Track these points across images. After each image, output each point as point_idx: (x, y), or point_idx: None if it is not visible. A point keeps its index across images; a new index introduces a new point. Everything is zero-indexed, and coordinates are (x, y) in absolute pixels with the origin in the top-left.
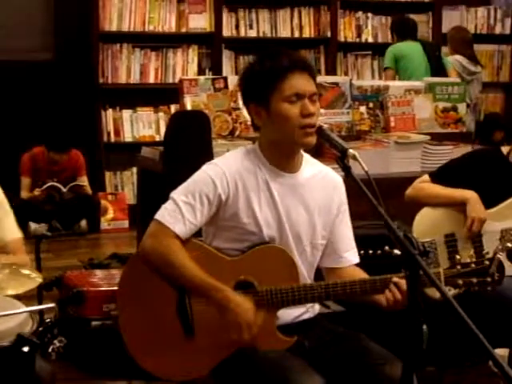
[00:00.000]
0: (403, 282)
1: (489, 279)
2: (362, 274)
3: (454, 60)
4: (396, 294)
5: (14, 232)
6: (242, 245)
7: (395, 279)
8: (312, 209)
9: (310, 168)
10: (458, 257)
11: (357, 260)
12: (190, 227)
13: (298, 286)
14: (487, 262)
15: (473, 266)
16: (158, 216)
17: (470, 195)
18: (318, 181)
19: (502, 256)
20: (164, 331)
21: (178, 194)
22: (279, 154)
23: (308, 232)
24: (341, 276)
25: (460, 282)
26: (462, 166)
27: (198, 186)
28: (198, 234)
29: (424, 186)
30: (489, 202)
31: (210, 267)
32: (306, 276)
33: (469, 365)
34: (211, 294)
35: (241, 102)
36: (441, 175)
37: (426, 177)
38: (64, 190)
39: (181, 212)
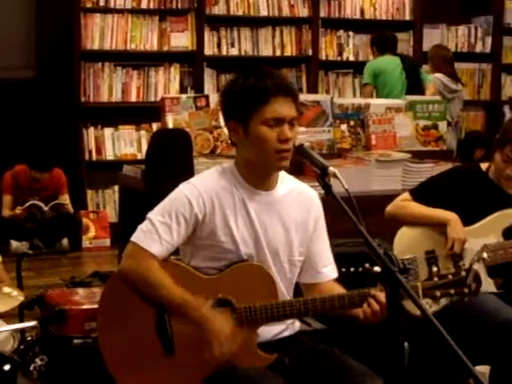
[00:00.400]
0: (381, 295)
1: (466, 290)
2: (340, 290)
3: (434, 78)
4: (374, 306)
5: None
6: (220, 263)
7: (373, 292)
8: (289, 225)
9: (286, 184)
10: (435, 269)
11: (335, 275)
12: (166, 247)
13: (276, 302)
14: (464, 273)
15: (450, 277)
16: (134, 238)
17: (451, 217)
18: (294, 197)
19: (478, 267)
20: (144, 350)
21: (154, 214)
22: (255, 172)
23: (285, 249)
24: (319, 291)
25: (438, 293)
26: (441, 183)
27: (174, 205)
28: (175, 252)
29: (405, 204)
30: (469, 219)
31: (188, 286)
32: (286, 293)
33: (450, 382)
34: (189, 312)
35: (222, 120)
36: (421, 192)
37: (406, 195)
38: (45, 208)
39: (157, 232)
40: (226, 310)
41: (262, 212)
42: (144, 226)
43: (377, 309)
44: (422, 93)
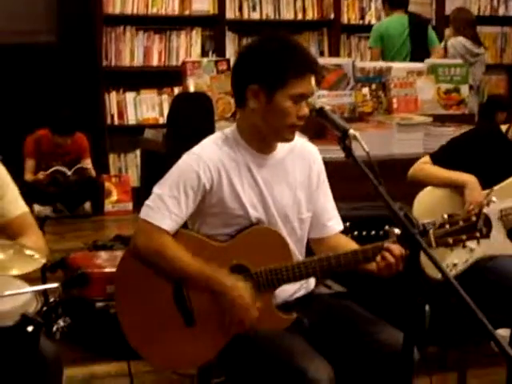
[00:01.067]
0: (395, 247)
1: (477, 234)
2: (348, 241)
3: (456, 42)
4: (389, 258)
5: (17, 207)
6: (231, 229)
7: (386, 245)
8: (294, 184)
9: (287, 143)
10: (445, 216)
11: (341, 227)
12: (176, 221)
13: (292, 263)
14: (474, 218)
15: (461, 223)
16: (143, 215)
17: (469, 179)
18: (296, 155)
19: (487, 210)
20: (163, 321)
21: (161, 188)
22: (259, 137)
23: (294, 208)
24: (328, 245)
25: (450, 240)
26: (461, 145)
27: (181, 178)
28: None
29: (425, 167)
30: (488, 181)
31: (201, 255)
32: (297, 253)
33: (471, 345)
34: (208, 283)
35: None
36: (441, 156)
37: (426, 158)
38: (69, 173)
39: (166, 207)
40: (242, 276)
41: (267, 175)
42: (152, 202)
43: (391, 261)
44: (427, 56)
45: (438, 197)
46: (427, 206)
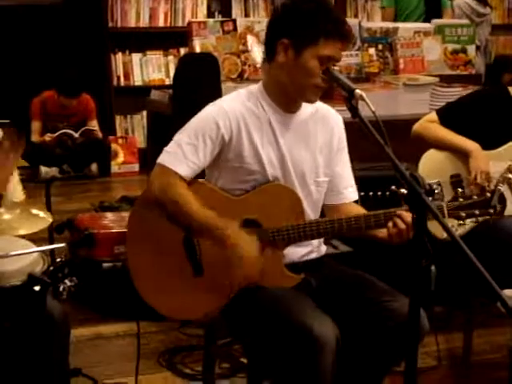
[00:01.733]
0: (407, 214)
1: (491, 211)
2: (361, 211)
3: (462, 2)
4: (400, 225)
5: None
6: (247, 185)
7: (399, 212)
8: (314, 146)
9: (310, 106)
10: (460, 190)
11: (356, 196)
12: (193, 168)
13: (304, 222)
14: (489, 194)
15: (475, 198)
16: (160, 160)
17: (473, 147)
18: (318, 118)
19: (502, 187)
20: (174, 272)
21: (180, 135)
22: (283, 94)
23: (311, 170)
24: (342, 212)
25: (463, 214)
26: (468, 106)
27: (200, 126)
28: (202, 176)
29: (430, 126)
30: (492, 142)
31: (216, 207)
32: (313, 217)
33: (477, 306)
34: (215, 233)
35: (249, 43)
36: (448, 115)
37: (433, 115)
38: (76, 135)
39: (183, 153)
40: (252, 231)
41: (287, 134)
42: (170, 148)
43: (402, 228)
44: (440, 18)
45: (444, 158)
46: (431, 168)
